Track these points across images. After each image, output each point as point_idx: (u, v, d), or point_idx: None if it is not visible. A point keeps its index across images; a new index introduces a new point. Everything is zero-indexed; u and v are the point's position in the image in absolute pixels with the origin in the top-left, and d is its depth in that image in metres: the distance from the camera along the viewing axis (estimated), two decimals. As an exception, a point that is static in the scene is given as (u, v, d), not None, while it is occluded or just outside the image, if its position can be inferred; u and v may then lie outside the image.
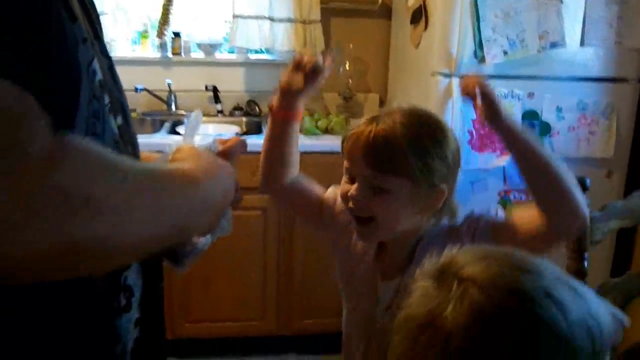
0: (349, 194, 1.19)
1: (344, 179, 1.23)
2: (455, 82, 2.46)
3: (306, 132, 2.80)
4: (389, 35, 3.28)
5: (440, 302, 0.71)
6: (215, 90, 3.16)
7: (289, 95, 1.28)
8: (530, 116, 2.59)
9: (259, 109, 3.20)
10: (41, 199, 0.53)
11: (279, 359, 2.94)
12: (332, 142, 2.74)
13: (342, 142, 1.23)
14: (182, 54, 3.20)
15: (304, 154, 2.63)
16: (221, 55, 3.31)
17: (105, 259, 0.63)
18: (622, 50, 2.56)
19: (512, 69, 2.52)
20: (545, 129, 2.61)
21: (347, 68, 3.24)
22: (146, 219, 0.64)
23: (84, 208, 0.56)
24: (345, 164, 1.22)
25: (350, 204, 1.20)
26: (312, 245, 2.81)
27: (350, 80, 3.25)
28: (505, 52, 2.49)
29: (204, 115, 3.18)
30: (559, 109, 2.59)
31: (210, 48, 3.21)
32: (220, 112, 3.18)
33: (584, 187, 1.46)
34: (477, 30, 2.44)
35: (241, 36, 3.08)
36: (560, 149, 2.63)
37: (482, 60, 2.48)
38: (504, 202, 2.64)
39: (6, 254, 0.53)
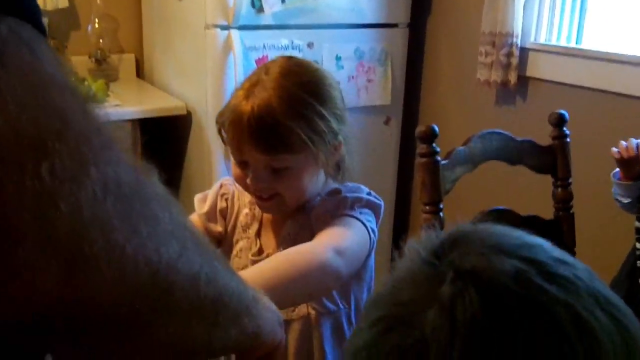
0: (247, 182, 1.08)
1: (233, 162, 1.10)
2: (235, 33, 2.25)
3: (64, 102, 2.39)
4: (139, -13, 2.95)
5: (424, 297, 0.52)
6: None
7: None
8: (312, 67, 2.48)
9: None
10: None
11: None
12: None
13: (218, 124, 1.10)
14: None
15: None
16: None
17: None
18: (393, -6, 2.56)
19: (291, 18, 2.38)
20: (327, 80, 2.52)
21: (97, 26, 2.85)
22: None
23: None
24: (231, 149, 1.08)
25: (250, 189, 1.10)
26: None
27: (101, 41, 2.86)
28: (283, 0, 2.33)
29: None
30: (338, 58, 2.51)
31: None
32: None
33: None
34: (254, -23, 2.25)
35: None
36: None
37: (260, 9, 2.31)
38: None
39: None
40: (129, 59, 3.00)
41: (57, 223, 0.39)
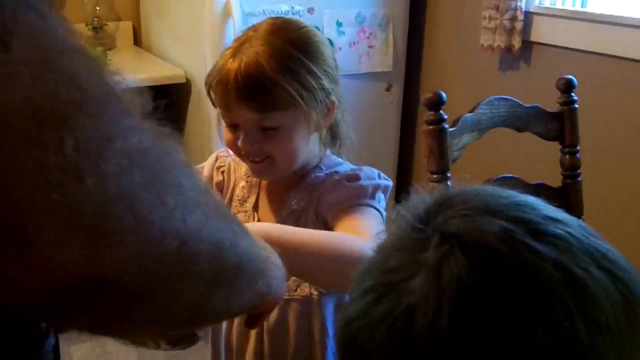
0: (238, 145, 1.04)
1: (225, 127, 1.07)
2: None
3: (60, 71, 2.34)
4: (134, -48, 2.88)
5: (411, 263, 0.51)
6: None
7: None
8: (312, 33, 2.43)
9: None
10: None
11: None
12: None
13: (207, 86, 1.06)
14: None
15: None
16: None
17: None
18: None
19: (291, -18, 2.33)
20: (328, 46, 2.48)
21: (92, -7, 2.80)
22: None
23: None
24: (221, 111, 1.05)
25: (242, 153, 1.06)
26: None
27: (97, 8, 2.81)
28: (282, -36, 2.28)
29: None
30: (339, 24, 2.47)
31: None
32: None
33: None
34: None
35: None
36: (343, 66, 2.52)
37: (259, -26, 2.26)
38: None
39: None
40: (126, 26, 2.95)
41: (82, 199, 0.37)
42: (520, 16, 2.25)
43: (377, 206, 1.06)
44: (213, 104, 1.07)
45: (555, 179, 1.61)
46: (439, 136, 1.35)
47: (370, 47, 2.56)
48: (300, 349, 1.12)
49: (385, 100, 2.69)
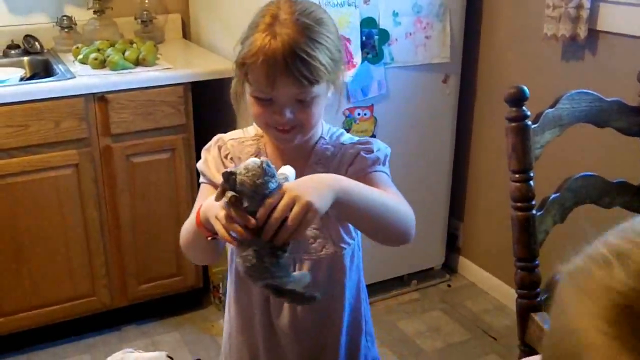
0: (270, 118, 1.14)
1: (253, 101, 1.14)
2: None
3: (114, 66, 2.31)
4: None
5: None
6: (-21, 25, 2.52)
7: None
8: (368, 24, 2.37)
9: (40, 44, 2.62)
10: None
11: (118, 334, 2.53)
12: (149, 75, 2.32)
13: (241, 65, 1.12)
14: None
15: (119, 92, 2.24)
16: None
17: None
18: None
19: (347, -28, 2.27)
20: (384, 37, 2.41)
21: (142, -14, 2.77)
22: None
23: None
24: (256, 87, 1.12)
25: (274, 123, 1.14)
26: (140, 202, 2.40)
27: (146, 1, 2.78)
28: (339, -46, 2.21)
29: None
30: (395, 14, 2.40)
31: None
32: (-10, 52, 2.56)
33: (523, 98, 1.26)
34: None
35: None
36: (399, 57, 2.46)
37: (315, -36, 2.20)
38: (349, 121, 2.43)
39: None
40: (175, 19, 2.92)
41: None
42: (587, 4, 2.15)
43: (387, 172, 1.21)
44: (247, 81, 1.13)
45: (637, 176, 1.53)
46: (522, 133, 1.29)
47: (427, 37, 2.49)
48: (327, 300, 1.21)
49: (442, 92, 2.62)
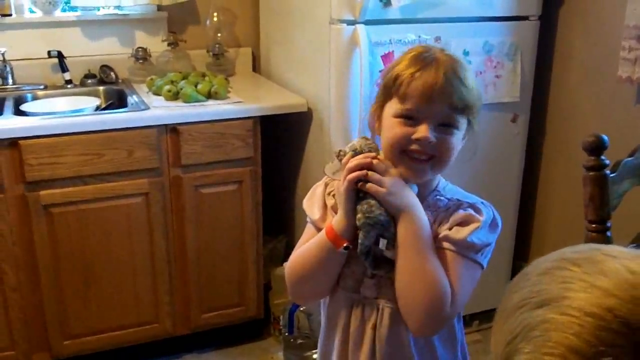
0: (418, 137, 1.14)
1: (399, 121, 1.16)
2: (361, 28, 2.17)
3: (187, 98, 2.37)
4: (256, -19, 2.91)
5: None
6: (60, 56, 2.62)
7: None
8: (438, 63, 2.37)
9: (115, 74, 2.71)
10: None
11: (178, 362, 2.56)
12: (221, 108, 2.36)
13: (393, 79, 1.16)
14: (14, 13, 2.61)
15: (190, 124, 2.29)
16: (63, 13, 2.74)
17: None
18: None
19: (418, 11, 2.28)
20: (454, 76, 2.40)
21: (215, 20, 2.83)
22: None
23: None
24: (409, 106, 1.14)
25: (414, 147, 1.15)
26: (206, 232, 2.43)
27: (219, 35, 2.84)
28: (410, -7, 2.22)
29: (49, 87, 2.64)
30: (465, 53, 2.39)
31: (49, 6, 2.64)
32: (69, 82, 2.65)
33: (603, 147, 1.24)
34: (383, -30, 2.16)
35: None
36: (468, 96, 2.45)
37: (387, 3, 2.22)
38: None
39: None
40: (246, 52, 2.98)
41: None
42: (665, 47, 2.11)
43: (481, 261, 1.19)
44: (393, 96, 1.16)
45: None
46: (601, 183, 1.26)
47: (497, 76, 2.47)
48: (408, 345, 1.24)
49: (511, 131, 2.59)
